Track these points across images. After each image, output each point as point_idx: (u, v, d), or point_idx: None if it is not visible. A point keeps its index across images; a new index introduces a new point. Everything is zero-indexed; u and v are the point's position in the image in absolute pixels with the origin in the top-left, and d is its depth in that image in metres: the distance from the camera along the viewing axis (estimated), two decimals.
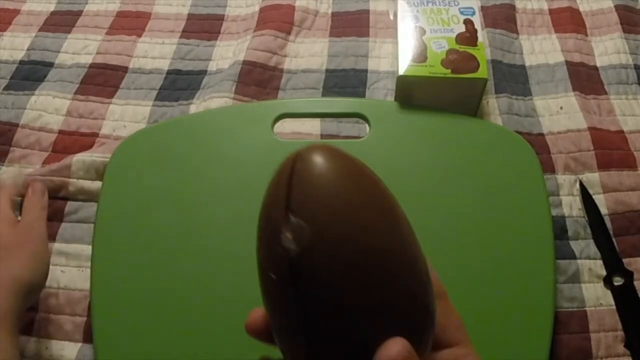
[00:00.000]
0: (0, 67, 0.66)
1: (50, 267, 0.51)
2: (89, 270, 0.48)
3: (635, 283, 0.48)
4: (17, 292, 0.40)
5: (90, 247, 0.50)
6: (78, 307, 0.49)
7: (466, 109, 0.56)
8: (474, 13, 0.58)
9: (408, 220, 0.25)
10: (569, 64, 0.63)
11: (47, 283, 0.50)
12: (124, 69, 0.65)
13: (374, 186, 0.24)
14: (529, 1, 0.71)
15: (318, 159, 0.23)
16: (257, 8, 0.71)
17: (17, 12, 0.73)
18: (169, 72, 0.65)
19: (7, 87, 0.64)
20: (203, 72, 0.65)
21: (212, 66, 0.66)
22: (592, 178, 0.54)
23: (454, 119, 0.55)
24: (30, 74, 0.65)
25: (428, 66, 0.54)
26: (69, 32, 0.70)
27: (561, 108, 0.59)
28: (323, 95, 0.62)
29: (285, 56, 0.66)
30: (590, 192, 0.53)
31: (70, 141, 0.59)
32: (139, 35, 0.69)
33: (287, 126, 0.58)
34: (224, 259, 0.47)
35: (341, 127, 0.58)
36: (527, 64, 0.64)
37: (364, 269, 0.22)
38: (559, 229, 0.51)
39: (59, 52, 0.68)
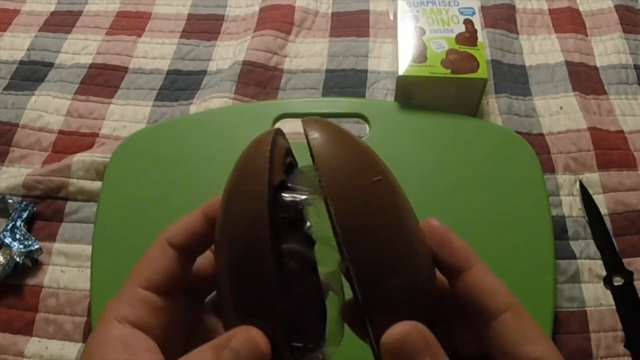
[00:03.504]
0: (0, 67, 0.66)
1: (50, 267, 0.51)
2: (89, 270, 0.48)
3: (635, 283, 0.48)
4: None
5: (90, 247, 0.50)
6: (78, 307, 0.49)
7: (466, 109, 0.56)
8: (473, 13, 0.58)
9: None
10: (569, 64, 0.63)
11: (47, 283, 0.50)
12: (124, 69, 0.66)
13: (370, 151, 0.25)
14: (529, 1, 0.71)
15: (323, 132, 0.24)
16: (257, 8, 0.71)
17: (17, 12, 0.73)
18: (169, 72, 0.65)
19: (7, 87, 0.64)
20: (203, 72, 0.65)
21: (212, 66, 0.66)
22: (592, 178, 0.54)
23: (454, 119, 0.55)
24: (30, 74, 0.65)
25: (428, 66, 0.54)
26: (69, 32, 0.70)
27: (561, 108, 0.59)
28: (323, 95, 0.62)
29: (285, 56, 0.66)
30: (590, 192, 0.53)
31: (70, 141, 0.59)
32: (139, 36, 0.69)
33: (287, 126, 0.58)
34: None
35: None
36: (527, 64, 0.64)
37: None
38: (559, 229, 0.51)
39: (59, 52, 0.68)
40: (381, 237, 0.23)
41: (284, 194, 0.24)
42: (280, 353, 0.23)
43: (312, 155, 0.24)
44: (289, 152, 0.26)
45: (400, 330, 0.22)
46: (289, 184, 0.24)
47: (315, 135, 0.24)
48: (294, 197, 0.24)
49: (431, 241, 0.26)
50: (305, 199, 0.24)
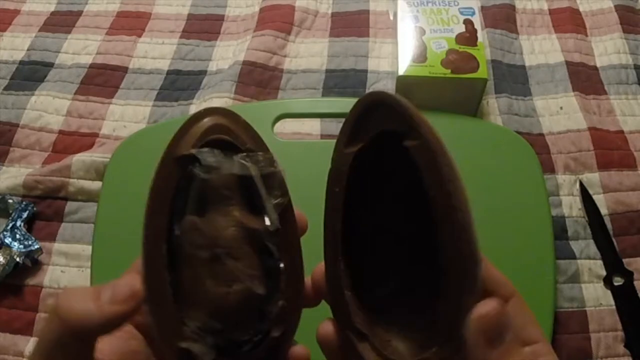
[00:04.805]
0: (0, 67, 0.66)
1: (51, 267, 0.51)
2: (89, 270, 0.48)
3: (635, 283, 0.48)
4: None
5: (90, 247, 0.50)
6: None
7: (466, 109, 0.56)
8: (474, 13, 0.58)
9: None
10: (569, 64, 0.63)
11: (47, 283, 0.50)
12: (124, 69, 0.66)
13: None
14: (529, 1, 0.71)
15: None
16: (257, 8, 0.71)
17: (17, 12, 0.73)
18: (169, 72, 0.65)
19: (7, 87, 0.64)
20: (203, 72, 0.65)
21: (212, 66, 0.66)
22: (592, 178, 0.54)
23: (454, 119, 0.55)
24: (30, 74, 0.65)
25: (428, 66, 0.54)
26: (69, 32, 0.70)
27: (561, 108, 0.59)
28: (323, 95, 0.62)
29: (285, 56, 0.66)
30: (590, 192, 0.53)
31: (70, 141, 0.59)
32: (139, 36, 0.69)
33: (287, 126, 0.58)
34: None
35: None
36: (527, 64, 0.64)
37: None
38: (559, 229, 0.51)
39: (59, 52, 0.68)
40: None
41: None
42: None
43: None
44: (223, 130, 0.26)
45: (493, 305, 0.23)
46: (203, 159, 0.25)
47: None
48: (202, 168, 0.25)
49: None
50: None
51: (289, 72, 0.64)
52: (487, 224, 0.49)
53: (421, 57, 0.55)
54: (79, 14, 0.72)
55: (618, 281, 0.49)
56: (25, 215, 0.52)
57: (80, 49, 0.68)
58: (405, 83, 0.54)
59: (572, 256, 0.50)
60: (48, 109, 0.61)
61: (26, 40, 0.69)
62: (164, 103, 0.62)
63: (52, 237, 0.53)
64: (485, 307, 0.23)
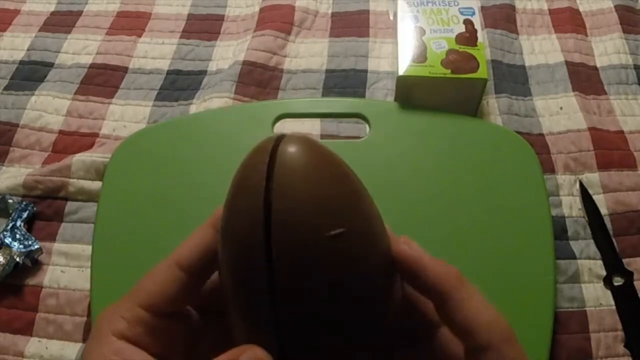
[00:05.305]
0: (0, 67, 0.67)
1: (51, 267, 0.51)
2: (89, 270, 0.48)
3: (635, 283, 0.48)
4: None
5: (90, 247, 0.50)
6: (78, 307, 0.49)
7: (466, 109, 0.56)
8: (474, 13, 0.58)
9: (378, 214, 0.25)
10: (569, 64, 0.63)
11: (47, 283, 0.50)
12: (124, 69, 0.66)
13: (347, 178, 0.24)
14: (529, 1, 0.71)
15: (297, 151, 0.23)
16: (257, 8, 0.71)
17: (17, 12, 0.73)
18: (169, 72, 0.65)
19: (7, 87, 0.64)
20: (203, 72, 0.65)
21: (212, 66, 0.66)
22: (592, 178, 0.54)
23: (454, 119, 0.55)
24: (30, 74, 0.65)
25: (428, 66, 0.54)
26: (69, 32, 0.70)
27: (561, 108, 0.59)
28: (323, 95, 0.62)
29: (285, 56, 0.66)
30: (590, 192, 0.53)
31: (70, 141, 0.59)
32: (139, 36, 0.69)
33: (287, 126, 0.58)
34: None
35: (341, 127, 0.58)
36: (527, 64, 0.64)
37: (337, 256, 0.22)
38: (559, 229, 0.51)
39: (59, 52, 0.68)
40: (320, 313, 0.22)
41: None
42: None
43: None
44: None
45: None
46: None
47: (290, 150, 0.22)
48: None
49: (403, 271, 0.25)
50: None
51: (289, 72, 0.64)
52: (487, 224, 0.50)
53: (421, 57, 0.55)
54: (79, 14, 0.72)
55: (618, 281, 0.49)
56: (25, 215, 0.52)
57: (80, 49, 0.68)
58: (405, 83, 0.54)
59: (572, 256, 0.50)
60: (48, 109, 0.61)
61: (26, 40, 0.69)
62: (164, 103, 0.62)
63: (52, 237, 0.53)
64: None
